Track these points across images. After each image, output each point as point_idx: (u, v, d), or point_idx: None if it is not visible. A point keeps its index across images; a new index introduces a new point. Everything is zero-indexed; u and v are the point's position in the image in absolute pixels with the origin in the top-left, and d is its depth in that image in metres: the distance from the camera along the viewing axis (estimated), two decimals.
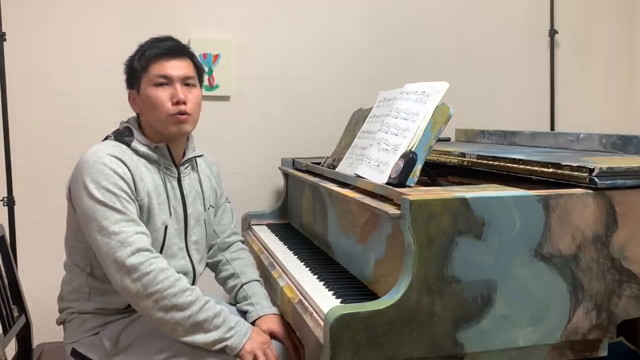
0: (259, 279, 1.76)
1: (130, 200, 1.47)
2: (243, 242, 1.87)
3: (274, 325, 1.59)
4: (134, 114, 1.64)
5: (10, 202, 2.28)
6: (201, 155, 1.74)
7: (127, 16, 2.37)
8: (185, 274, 1.60)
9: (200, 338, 1.42)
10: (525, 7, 2.83)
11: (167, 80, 1.55)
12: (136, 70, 1.58)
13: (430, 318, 1.22)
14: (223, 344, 1.44)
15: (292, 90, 2.58)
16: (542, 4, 2.85)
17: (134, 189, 1.49)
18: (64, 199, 1.74)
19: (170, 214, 1.58)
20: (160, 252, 1.55)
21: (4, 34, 2.25)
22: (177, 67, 1.56)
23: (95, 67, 2.35)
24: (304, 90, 2.59)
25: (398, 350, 1.21)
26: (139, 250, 1.40)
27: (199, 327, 1.42)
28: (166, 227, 1.57)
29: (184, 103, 1.55)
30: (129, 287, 1.39)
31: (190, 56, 1.63)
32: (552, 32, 2.84)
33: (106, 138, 1.60)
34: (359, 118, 2.01)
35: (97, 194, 1.43)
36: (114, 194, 1.44)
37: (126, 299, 1.44)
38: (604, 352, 1.37)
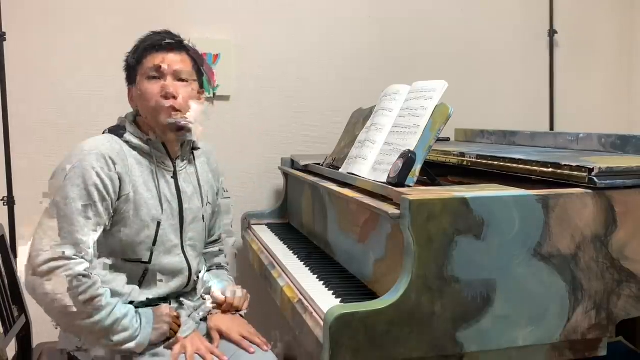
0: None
1: (98, 213, 1.43)
2: (224, 252, 1.86)
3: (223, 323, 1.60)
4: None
5: (10, 202, 2.28)
6: (198, 149, 1.70)
7: (127, 16, 2.37)
8: (180, 271, 1.60)
9: (105, 342, 1.40)
10: (524, 8, 2.84)
11: (159, 74, 1.54)
12: (132, 65, 1.58)
13: (430, 318, 1.22)
14: (129, 344, 1.42)
15: (292, 90, 2.58)
16: (542, 4, 2.85)
17: (114, 191, 1.46)
18: None
19: (162, 210, 1.55)
20: (153, 247, 1.54)
21: (4, 34, 2.25)
22: (169, 61, 1.54)
23: (96, 67, 2.35)
24: (303, 90, 2.59)
25: (398, 349, 1.21)
26: (60, 258, 1.37)
27: (108, 332, 1.39)
28: (159, 223, 1.54)
29: (174, 97, 1.52)
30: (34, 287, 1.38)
31: (187, 51, 1.60)
32: (552, 32, 2.84)
33: (103, 133, 1.59)
34: (358, 118, 2.01)
35: (70, 193, 1.42)
36: (85, 202, 1.42)
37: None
38: (603, 352, 1.37)
